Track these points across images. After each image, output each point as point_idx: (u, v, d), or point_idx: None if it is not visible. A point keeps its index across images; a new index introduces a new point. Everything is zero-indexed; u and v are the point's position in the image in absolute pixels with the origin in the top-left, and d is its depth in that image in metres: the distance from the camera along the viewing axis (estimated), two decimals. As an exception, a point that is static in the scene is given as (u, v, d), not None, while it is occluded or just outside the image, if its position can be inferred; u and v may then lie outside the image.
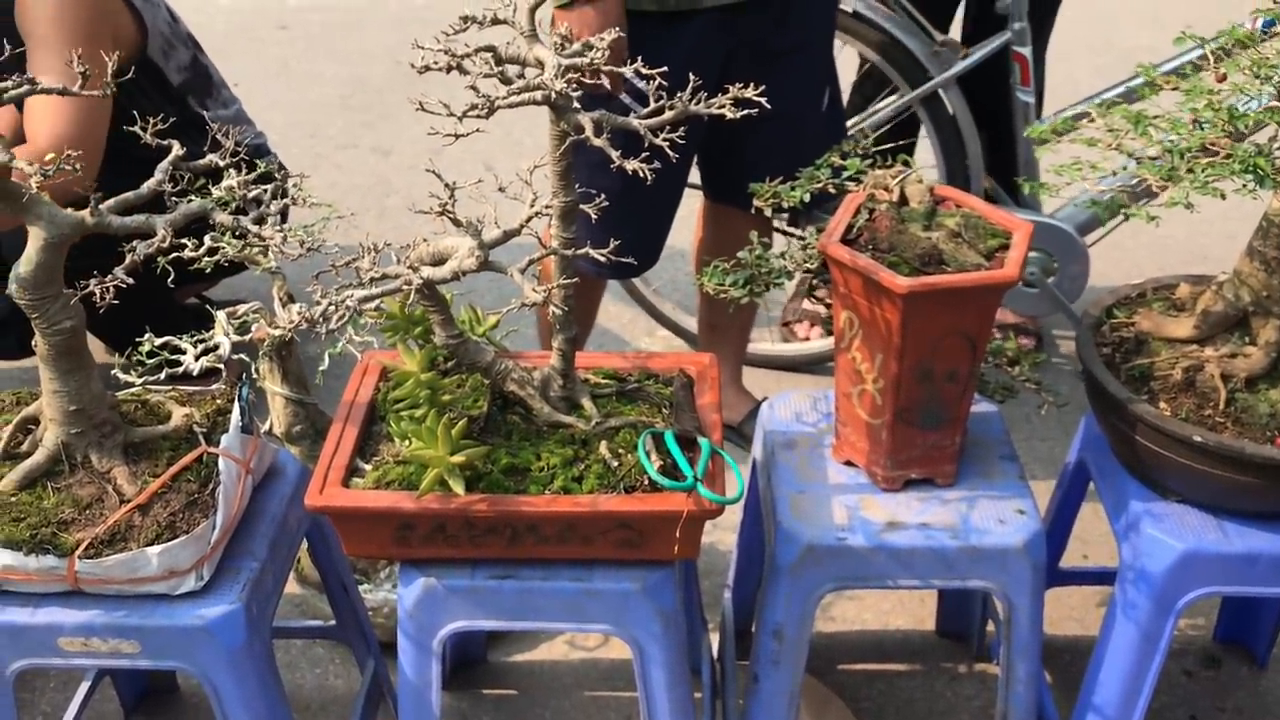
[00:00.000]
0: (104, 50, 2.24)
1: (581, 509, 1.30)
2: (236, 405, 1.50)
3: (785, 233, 2.59)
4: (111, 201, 1.32)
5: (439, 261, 1.33)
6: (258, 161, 2.69)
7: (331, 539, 1.68)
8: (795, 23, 2.04)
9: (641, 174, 1.16)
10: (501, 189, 1.38)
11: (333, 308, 1.21)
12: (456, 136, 1.21)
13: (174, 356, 1.50)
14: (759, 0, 1.97)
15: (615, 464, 1.34)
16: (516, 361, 1.42)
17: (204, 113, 2.46)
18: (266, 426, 1.75)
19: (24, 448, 1.44)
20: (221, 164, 1.40)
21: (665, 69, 1.21)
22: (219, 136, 1.43)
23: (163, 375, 1.41)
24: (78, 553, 1.31)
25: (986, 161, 2.61)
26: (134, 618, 1.34)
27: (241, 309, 1.83)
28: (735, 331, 2.45)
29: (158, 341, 1.59)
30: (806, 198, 1.62)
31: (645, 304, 2.86)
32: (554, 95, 1.19)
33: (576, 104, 1.22)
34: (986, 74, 2.54)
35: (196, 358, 1.53)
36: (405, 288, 1.23)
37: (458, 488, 1.28)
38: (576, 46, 1.23)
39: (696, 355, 1.54)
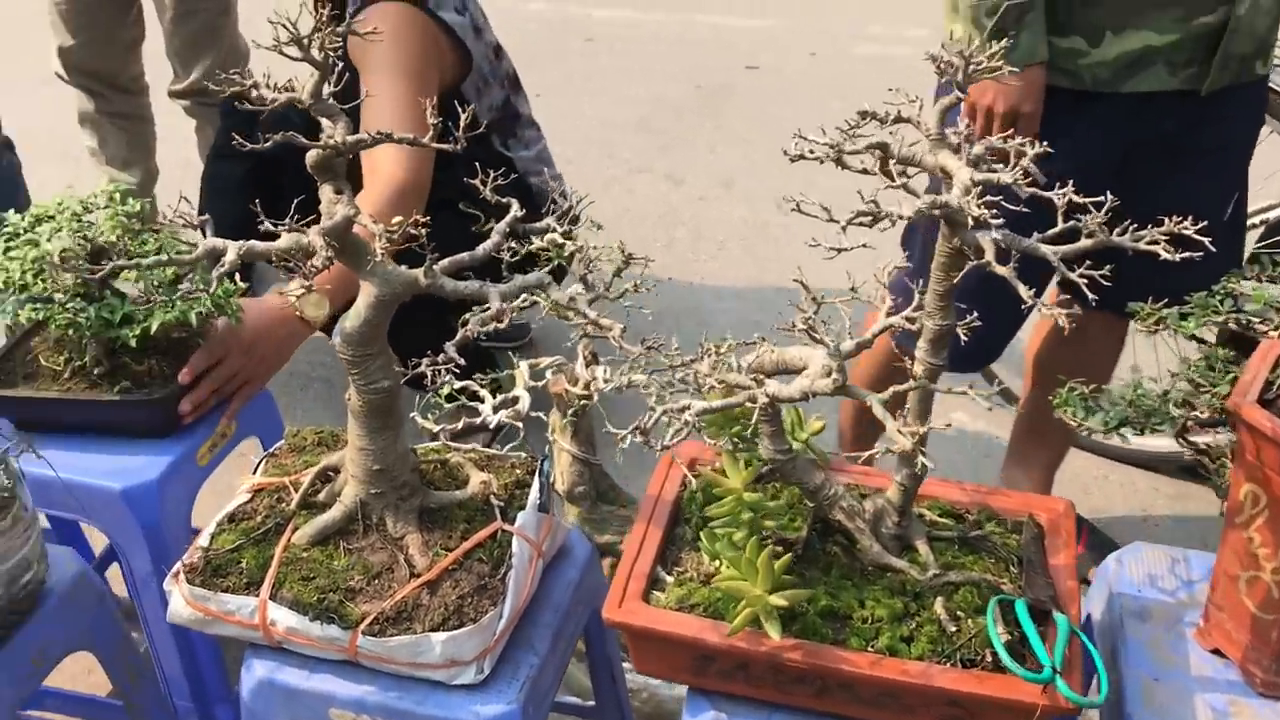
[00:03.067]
0: (431, 87, 2.24)
1: (910, 679, 1.12)
2: (537, 480, 1.41)
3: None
4: (445, 262, 1.24)
5: (781, 370, 1.18)
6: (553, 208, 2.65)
7: (611, 631, 1.57)
8: (1221, 116, 1.78)
9: (1029, 300, 0.98)
10: (854, 289, 1.23)
11: (665, 418, 1.09)
12: (839, 251, 1.05)
13: (471, 403, 1.43)
14: (1189, 90, 1.73)
15: (953, 628, 1.16)
16: (847, 487, 1.26)
17: (507, 154, 2.42)
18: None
19: (320, 496, 1.39)
20: (558, 231, 1.30)
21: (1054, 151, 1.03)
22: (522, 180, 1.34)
23: (459, 426, 1.34)
24: (362, 626, 1.24)
25: None
26: (407, 701, 1.26)
27: (545, 362, 1.75)
28: (1062, 435, 2.20)
29: (457, 385, 1.53)
30: (1199, 331, 1.38)
31: None
32: (958, 211, 1.02)
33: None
34: None
35: (495, 409, 1.45)
36: (749, 405, 1.09)
37: (773, 631, 1.13)
38: (993, 142, 1.06)
39: (1048, 500, 1.34)
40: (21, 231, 1.62)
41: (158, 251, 1.61)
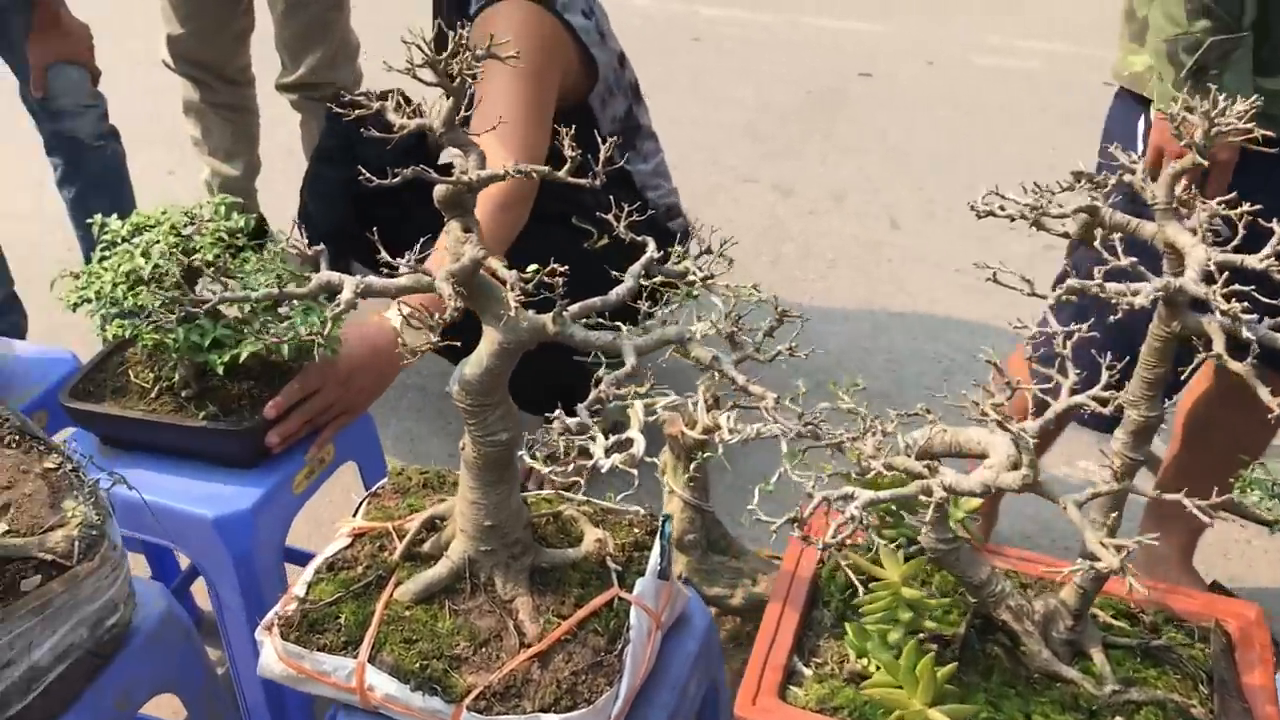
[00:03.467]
0: (552, 92, 2.13)
1: (1087, 815, 0.98)
2: (658, 543, 1.29)
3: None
4: (575, 308, 1.13)
5: (954, 453, 1.04)
6: (669, 225, 2.52)
7: (724, 702, 1.45)
8: None
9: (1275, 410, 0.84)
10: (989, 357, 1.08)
11: (825, 504, 0.96)
12: (992, 276, 0.91)
13: (579, 439, 1.32)
14: None
15: (1136, 758, 1.01)
16: (1007, 574, 1.12)
17: (626, 167, 2.31)
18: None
19: (426, 547, 1.29)
20: (699, 278, 1.18)
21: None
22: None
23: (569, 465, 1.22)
24: (467, 701, 1.13)
25: None
26: (510, 783, 1.15)
27: (661, 404, 1.63)
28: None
29: (570, 423, 1.43)
30: None
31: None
32: (1179, 295, 0.88)
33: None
34: None
35: (607, 452, 1.34)
36: (924, 499, 0.96)
37: (931, 750, 1.00)
38: (1219, 212, 0.91)
39: (1236, 604, 1.19)
40: (119, 240, 1.54)
41: (259, 270, 1.52)
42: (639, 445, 1.46)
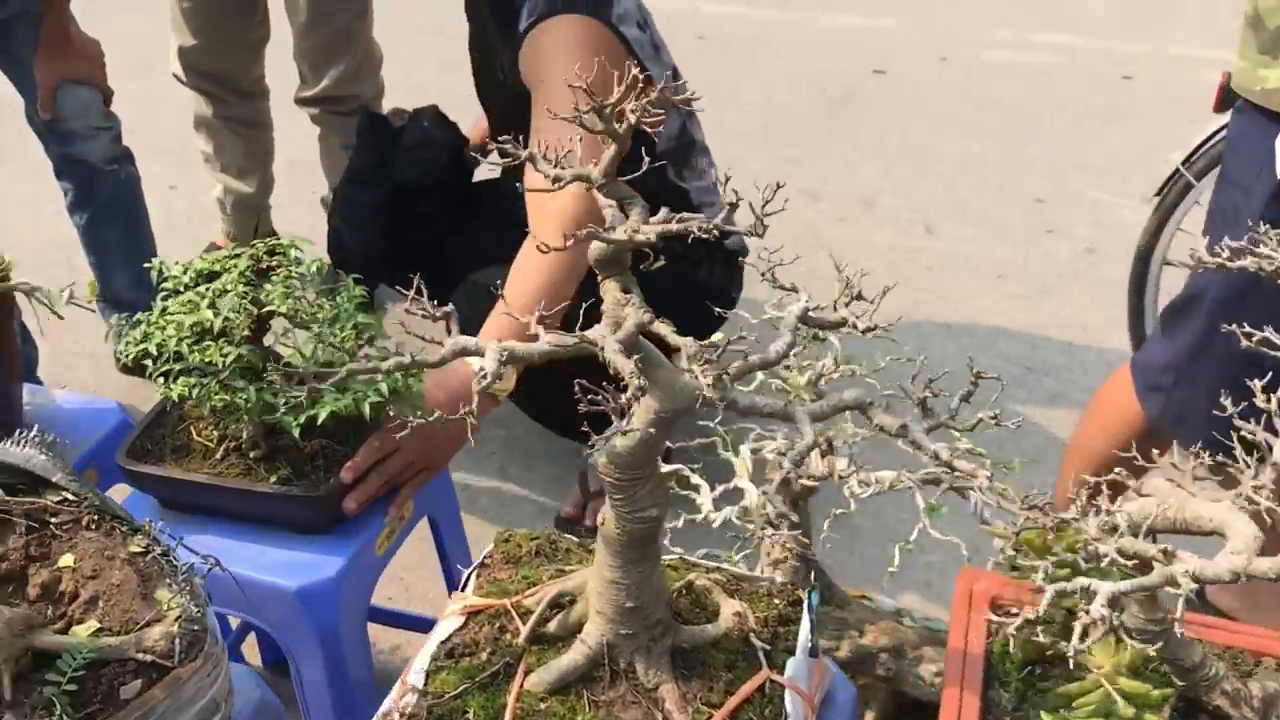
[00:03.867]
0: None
1: None
2: (806, 618, 1.18)
3: None
4: (735, 369, 1.01)
5: (1177, 530, 0.94)
6: (726, 245, 2.40)
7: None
8: None
9: None
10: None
11: (1057, 593, 0.85)
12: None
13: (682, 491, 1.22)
14: None
15: None
16: (1226, 665, 1.02)
17: (682, 185, 2.19)
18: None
19: (551, 627, 1.17)
20: (861, 330, 1.07)
21: None
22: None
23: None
24: (622, 810, 1.02)
25: None
26: None
27: (769, 448, 1.53)
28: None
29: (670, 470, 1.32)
30: None
31: None
32: None
33: None
34: None
35: (716, 505, 1.24)
36: (1171, 589, 0.85)
37: None
38: None
39: None
40: (182, 288, 1.41)
41: (334, 319, 1.40)
42: (751, 496, 1.35)
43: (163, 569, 1.13)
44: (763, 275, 1.08)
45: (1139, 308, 2.17)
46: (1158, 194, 2.05)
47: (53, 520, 1.16)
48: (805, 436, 0.96)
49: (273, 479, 1.40)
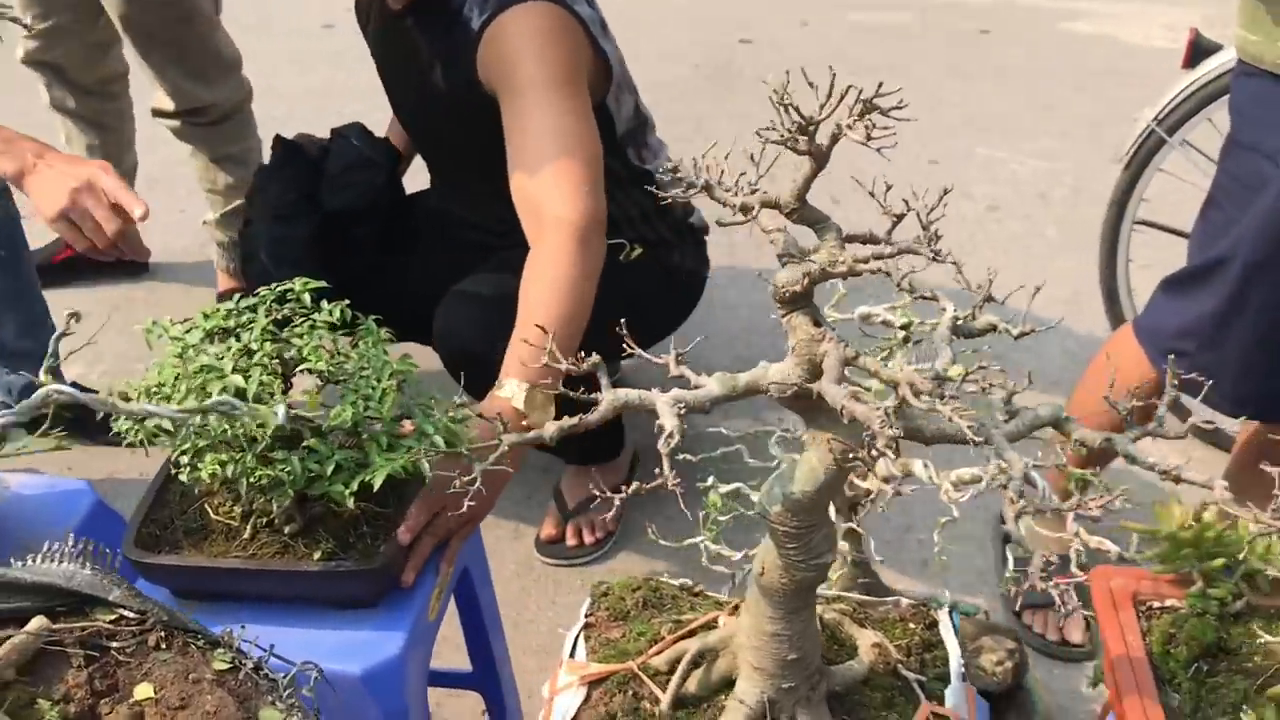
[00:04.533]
0: (585, 97, 1.90)
1: None
2: (955, 642, 1.12)
3: None
4: (907, 393, 0.93)
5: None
6: (691, 222, 2.32)
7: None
8: None
9: None
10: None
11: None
12: None
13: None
14: None
15: None
16: None
17: (644, 166, 2.10)
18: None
19: (691, 687, 1.08)
20: (1008, 326, 1.00)
21: None
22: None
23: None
24: None
25: None
26: None
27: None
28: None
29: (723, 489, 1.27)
30: None
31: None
32: None
33: None
34: None
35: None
36: None
37: None
38: None
39: None
40: (187, 349, 1.24)
41: (362, 369, 1.25)
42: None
43: (258, 685, 0.98)
44: (898, 285, 1.00)
45: (1111, 267, 2.19)
46: (1128, 153, 2.06)
47: (113, 645, 0.99)
48: (1009, 459, 0.89)
49: (316, 555, 1.24)
